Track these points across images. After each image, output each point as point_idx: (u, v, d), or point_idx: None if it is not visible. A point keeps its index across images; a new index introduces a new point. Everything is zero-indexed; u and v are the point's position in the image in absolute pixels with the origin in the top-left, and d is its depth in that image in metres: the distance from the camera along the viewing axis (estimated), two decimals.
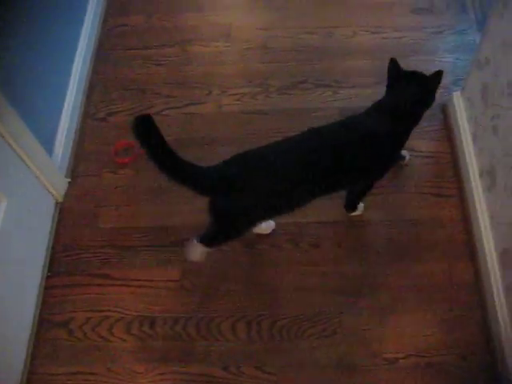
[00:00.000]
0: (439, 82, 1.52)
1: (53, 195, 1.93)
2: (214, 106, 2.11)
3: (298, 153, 1.47)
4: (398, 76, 1.55)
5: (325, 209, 1.86)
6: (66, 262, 1.86)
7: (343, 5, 2.37)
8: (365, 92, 2.09)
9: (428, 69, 1.52)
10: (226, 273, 1.80)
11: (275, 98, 2.11)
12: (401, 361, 1.64)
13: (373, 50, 2.22)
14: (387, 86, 1.59)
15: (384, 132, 1.51)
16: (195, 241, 1.65)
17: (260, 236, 1.83)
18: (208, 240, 1.64)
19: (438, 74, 1.49)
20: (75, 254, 1.87)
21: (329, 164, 1.46)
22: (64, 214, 1.94)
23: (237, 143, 2.00)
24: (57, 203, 1.95)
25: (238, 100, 2.12)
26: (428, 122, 1.99)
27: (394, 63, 1.54)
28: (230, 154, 1.96)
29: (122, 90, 2.20)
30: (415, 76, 1.54)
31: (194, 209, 1.87)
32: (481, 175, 1.77)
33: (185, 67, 2.24)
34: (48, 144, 1.90)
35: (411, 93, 1.53)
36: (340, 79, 2.14)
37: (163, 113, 2.11)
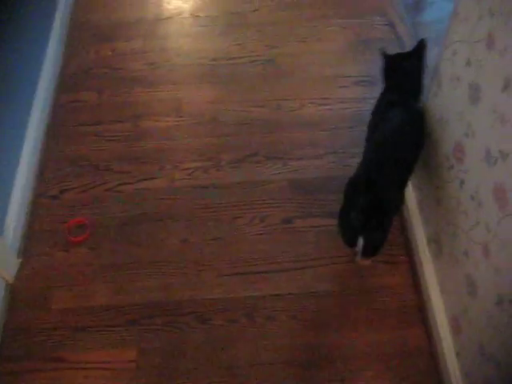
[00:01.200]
0: (425, 48, 1.77)
1: (3, 277, 1.88)
2: (167, 181, 2.13)
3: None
4: (392, 61, 1.81)
5: (280, 281, 1.88)
6: (17, 347, 1.79)
7: (290, 78, 2.46)
8: (314, 162, 2.15)
9: None
10: (184, 351, 1.77)
11: (227, 172, 2.15)
12: None
13: (320, 121, 2.30)
14: (385, 77, 1.83)
15: (418, 107, 1.78)
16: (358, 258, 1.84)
17: (216, 312, 1.83)
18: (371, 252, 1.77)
19: (422, 43, 1.77)
20: (27, 337, 1.81)
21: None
22: (15, 296, 1.89)
23: (189, 218, 2.04)
24: (7, 284, 1.91)
25: (189, 175, 2.15)
26: None
27: (384, 54, 1.80)
28: (182, 228, 2.01)
29: (74, 166, 2.20)
30: (405, 55, 1.81)
31: (149, 286, 1.89)
32: (428, 243, 1.84)
33: (137, 142, 2.27)
34: None
35: (412, 66, 1.77)
36: (289, 151, 2.20)
37: (116, 189, 2.12)
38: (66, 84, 2.51)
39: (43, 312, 1.86)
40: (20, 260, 1.96)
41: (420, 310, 1.82)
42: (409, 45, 2.47)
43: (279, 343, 1.78)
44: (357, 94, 2.40)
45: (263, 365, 1.75)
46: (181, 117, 2.34)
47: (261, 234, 1.99)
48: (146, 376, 1.74)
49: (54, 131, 2.34)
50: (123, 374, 1.74)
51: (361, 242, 1.72)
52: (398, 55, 1.82)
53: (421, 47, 1.77)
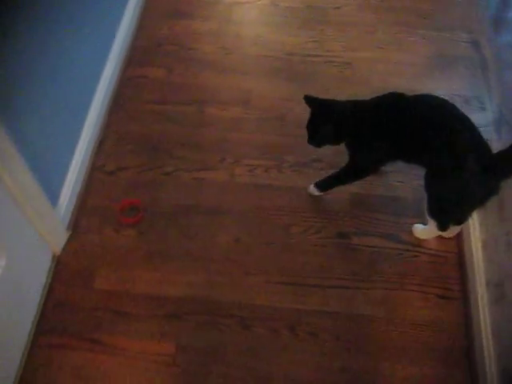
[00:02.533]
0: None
1: (51, 248, 1.87)
2: (226, 175, 2.08)
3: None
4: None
5: (328, 297, 1.83)
6: (56, 321, 1.79)
7: (365, 85, 2.37)
8: (379, 179, 2.08)
9: None
10: (221, 353, 1.74)
11: (288, 175, 2.09)
12: None
13: None
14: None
15: None
16: None
17: (259, 319, 1.79)
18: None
19: None
20: (67, 313, 1.80)
21: None
22: (60, 269, 1.88)
23: (244, 217, 1.99)
24: (54, 256, 1.90)
25: (250, 171, 2.09)
26: None
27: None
28: (235, 226, 1.96)
29: (134, 145, 2.17)
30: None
31: (194, 282, 1.86)
32: (487, 285, 1.76)
33: (200, 129, 2.22)
34: (53, 194, 1.85)
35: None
36: None
37: (173, 174, 2.08)
38: (134, 58, 2.47)
39: (85, 290, 1.85)
40: (69, 233, 1.94)
41: (467, 354, 1.75)
42: (492, 68, 2.37)
43: (318, 362, 1.73)
44: None
45: (297, 381, 1.70)
46: (248, 109, 2.27)
47: (315, 245, 1.93)
48: (180, 374, 1.71)
49: (118, 106, 2.30)
50: (157, 368, 1.72)
51: None
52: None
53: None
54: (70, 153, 2.00)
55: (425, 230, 1.94)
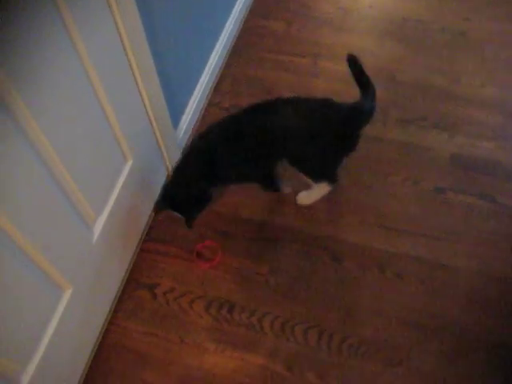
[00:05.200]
0: None
1: (165, 164, 2.06)
2: None
3: None
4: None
5: (418, 244, 1.91)
6: (164, 231, 1.98)
7: (478, 55, 2.41)
8: (482, 143, 2.12)
9: None
10: (310, 280, 1.87)
11: (392, 128, 2.18)
12: None
13: (498, 104, 2.25)
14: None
15: None
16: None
17: (349, 255, 1.90)
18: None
19: None
20: (174, 224, 1.99)
21: None
22: None
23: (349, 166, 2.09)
24: (168, 176, 2.08)
25: None
26: None
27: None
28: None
29: (249, 86, 2.32)
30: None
31: (289, 213, 1.98)
32: None
33: (312, 79, 2.34)
34: (175, 117, 2.03)
35: None
36: (459, 125, 2.18)
37: None
38: (257, 10, 2.62)
39: None
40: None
41: None
42: None
43: (402, 302, 1.82)
44: None
45: (381, 317, 1.80)
46: None
47: (411, 195, 2.01)
48: (270, 292, 1.85)
49: (237, 51, 2.46)
50: (251, 284, 1.87)
51: None
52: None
53: None
54: (192, 88, 2.17)
55: (310, 194, 1.99)
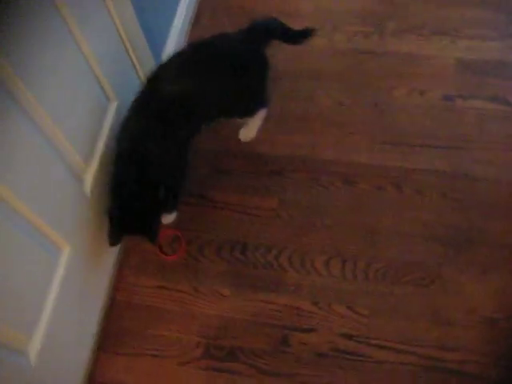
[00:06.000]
0: None
1: None
2: (325, 42, 2.03)
3: None
4: None
5: (434, 157, 1.78)
6: None
7: None
8: (488, 44, 1.97)
9: None
10: (324, 208, 1.74)
11: (389, 41, 2.01)
12: (501, 322, 1.56)
13: (499, 3, 2.08)
14: None
15: None
16: None
17: (362, 176, 1.77)
18: None
19: None
20: None
21: None
22: None
23: (346, 81, 1.94)
24: None
25: (350, 38, 2.03)
26: None
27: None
28: (337, 91, 1.92)
29: (231, 15, 2.14)
30: None
31: (295, 141, 1.85)
32: None
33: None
34: (156, 56, 1.87)
35: None
36: (460, 28, 2.01)
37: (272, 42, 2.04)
38: None
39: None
40: None
41: None
42: None
43: (424, 218, 1.70)
44: None
45: (404, 235, 1.68)
46: None
47: (419, 107, 1.87)
48: (283, 226, 1.73)
49: None
50: (261, 221, 1.74)
51: None
52: None
53: None
54: (168, 26, 2.00)
55: (250, 128, 1.84)
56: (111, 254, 1.69)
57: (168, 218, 1.70)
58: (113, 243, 1.50)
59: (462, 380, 1.51)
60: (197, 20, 2.15)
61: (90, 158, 1.49)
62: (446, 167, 1.76)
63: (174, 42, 1.98)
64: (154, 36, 1.84)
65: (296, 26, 2.02)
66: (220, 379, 1.56)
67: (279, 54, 1.93)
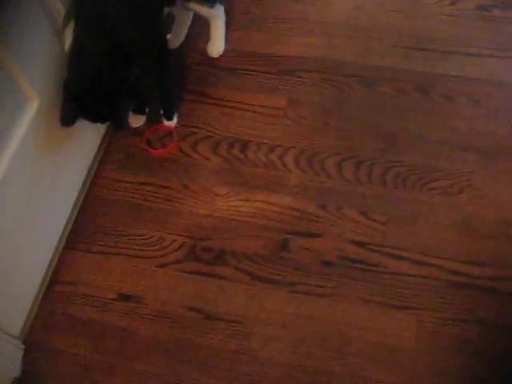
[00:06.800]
0: None
1: None
2: None
3: None
4: None
5: (466, 64, 1.56)
6: None
7: None
8: None
9: None
10: (339, 109, 1.52)
11: None
12: None
13: None
14: None
15: None
16: None
17: (384, 79, 1.55)
18: None
19: None
20: None
21: None
22: None
23: None
24: None
25: None
26: None
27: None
28: None
29: None
30: None
31: (310, 43, 1.66)
32: None
33: None
34: None
35: None
36: None
37: None
38: None
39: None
40: None
41: None
42: None
43: (453, 124, 1.47)
44: None
45: (429, 141, 1.46)
46: None
47: (451, 15, 1.66)
48: (291, 125, 1.52)
49: None
50: (266, 119, 1.53)
51: None
52: None
53: None
54: None
55: (214, 40, 1.63)
56: (90, 145, 1.47)
57: (137, 120, 1.50)
58: (65, 123, 1.23)
59: (495, 299, 1.25)
60: None
61: None
62: (481, 75, 1.54)
63: None
64: None
65: None
66: (205, 284, 1.32)
67: None
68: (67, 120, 1.23)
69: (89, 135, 1.46)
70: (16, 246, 1.21)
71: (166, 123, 1.52)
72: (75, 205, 1.42)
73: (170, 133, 1.52)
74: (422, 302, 1.26)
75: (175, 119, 1.53)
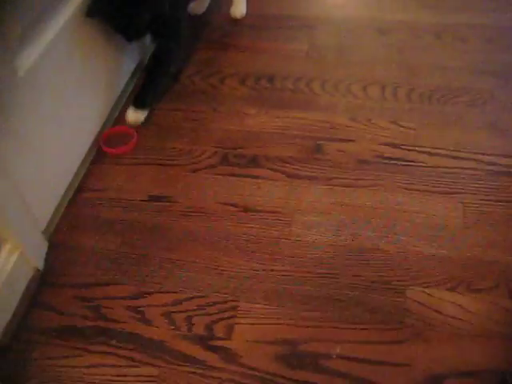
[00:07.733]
0: None
1: None
2: None
3: None
4: None
5: (470, 16, 1.68)
6: None
7: None
8: None
9: None
10: (359, 48, 1.61)
11: None
12: None
13: None
14: None
15: None
16: None
17: (396, 29, 1.65)
18: None
19: None
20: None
21: None
22: None
23: None
24: None
25: None
26: None
27: None
28: None
29: None
30: None
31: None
32: None
33: None
34: None
35: None
36: None
37: None
38: None
39: None
40: None
41: None
42: None
43: (469, 58, 1.55)
44: None
45: (448, 68, 1.52)
46: None
47: None
48: (314, 62, 1.58)
49: None
50: (289, 60, 1.59)
51: None
52: None
53: None
54: None
55: (237, 4, 1.74)
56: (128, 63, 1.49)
57: (136, 115, 1.43)
58: (89, 14, 1.23)
59: None
60: None
61: None
62: (491, 22, 1.65)
63: None
64: None
65: None
66: (240, 183, 1.28)
67: None
68: (92, 13, 1.24)
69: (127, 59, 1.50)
70: (44, 144, 1.15)
71: (132, 114, 1.42)
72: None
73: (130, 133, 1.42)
74: (464, 188, 1.23)
75: (142, 116, 1.43)
